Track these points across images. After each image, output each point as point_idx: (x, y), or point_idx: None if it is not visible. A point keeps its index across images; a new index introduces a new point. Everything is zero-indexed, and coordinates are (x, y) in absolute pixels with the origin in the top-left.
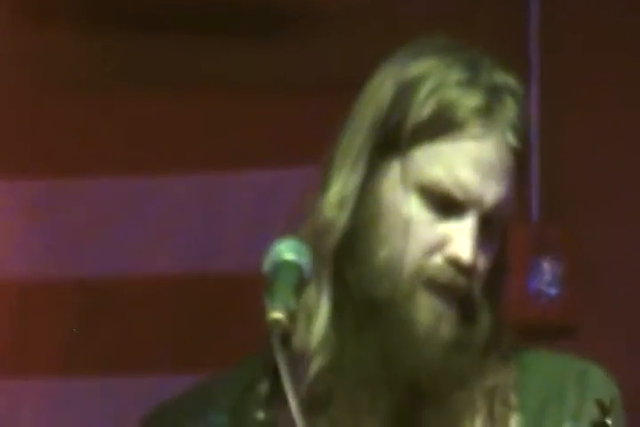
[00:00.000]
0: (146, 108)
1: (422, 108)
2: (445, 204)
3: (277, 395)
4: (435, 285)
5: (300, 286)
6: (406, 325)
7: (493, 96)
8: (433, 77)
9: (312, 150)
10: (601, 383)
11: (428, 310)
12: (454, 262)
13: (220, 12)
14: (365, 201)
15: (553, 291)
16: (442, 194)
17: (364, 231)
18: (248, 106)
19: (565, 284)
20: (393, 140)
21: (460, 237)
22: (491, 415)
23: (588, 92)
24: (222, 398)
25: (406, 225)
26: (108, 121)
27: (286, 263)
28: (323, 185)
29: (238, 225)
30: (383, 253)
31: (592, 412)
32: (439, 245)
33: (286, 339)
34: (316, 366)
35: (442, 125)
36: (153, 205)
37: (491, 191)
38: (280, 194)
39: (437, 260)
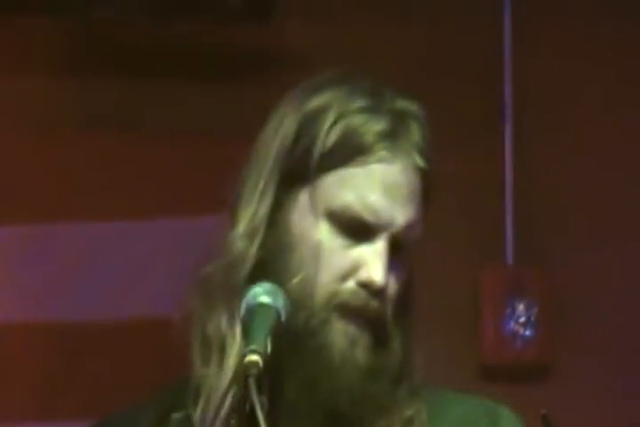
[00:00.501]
0: (122, 152)
1: (328, 137)
2: (355, 228)
3: (189, 424)
4: (348, 309)
5: (277, 328)
6: (322, 350)
7: (397, 121)
8: (336, 106)
9: None
10: (512, 424)
11: (342, 335)
12: (367, 286)
13: (201, 57)
14: (274, 232)
15: (528, 332)
16: (352, 219)
17: (275, 261)
18: (228, 150)
19: (540, 325)
20: (300, 169)
21: (372, 261)
22: None
23: (560, 131)
24: (144, 420)
25: (317, 252)
26: (79, 165)
27: (262, 306)
28: (231, 221)
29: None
30: (296, 282)
31: None
32: (351, 270)
33: (260, 382)
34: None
35: (349, 151)
36: (130, 249)
37: (400, 213)
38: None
39: (350, 284)
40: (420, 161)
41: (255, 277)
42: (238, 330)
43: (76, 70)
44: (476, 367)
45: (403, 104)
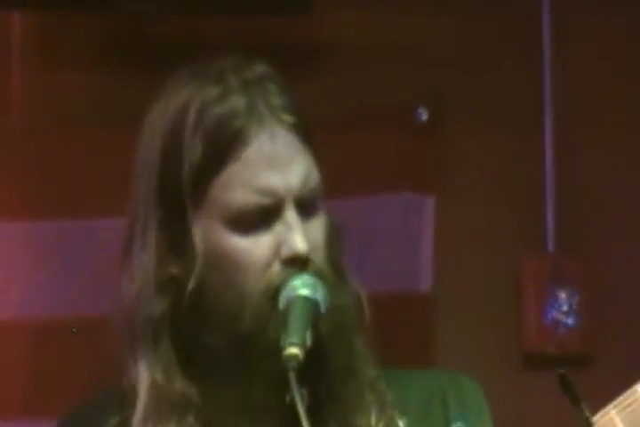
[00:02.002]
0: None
1: (192, 148)
2: (259, 217)
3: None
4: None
5: (316, 321)
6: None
7: (250, 91)
8: (193, 106)
9: (330, 186)
10: (474, 388)
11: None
12: (294, 261)
13: (236, 49)
14: (180, 258)
15: (570, 321)
16: (253, 210)
17: (196, 297)
18: None
19: (582, 313)
20: (180, 185)
21: (287, 236)
22: (382, 411)
23: (602, 122)
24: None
25: (236, 259)
26: (112, 160)
27: (301, 298)
28: (125, 251)
29: None
30: (229, 295)
31: (477, 415)
32: (274, 255)
33: (300, 375)
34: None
35: (218, 151)
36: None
37: (293, 176)
38: None
39: (276, 267)
40: (288, 118)
41: (170, 322)
42: (145, 376)
43: (110, 65)
44: (519, 356)
45: (250, 72)
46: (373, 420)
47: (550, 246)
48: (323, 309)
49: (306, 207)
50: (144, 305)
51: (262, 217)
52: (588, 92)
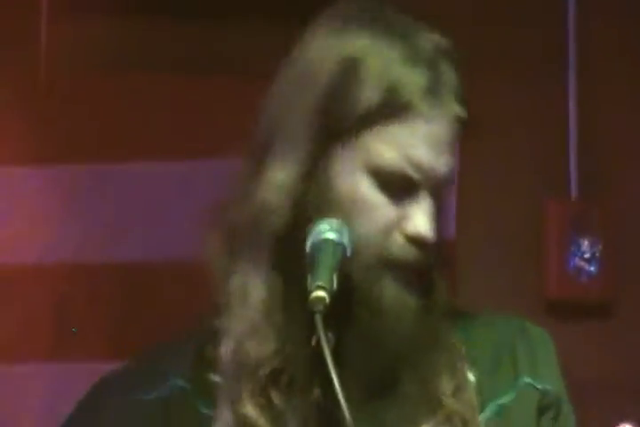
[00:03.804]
0: (181, 93)
1: (368, 93)
2: (399, 183)
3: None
4: (396, 263)
5: (342, 264)
6: (375, 301)
7: (434, 69)
8: (373, 57)
9: None
10: (544, 341)
11: (392, 287)
12: (415, 240)
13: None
14: (313, 187)
15: (592, 268)
16: (396, 175)
17: (315, 218)
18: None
19: (605, 261)
20: (338, 123)
21: (418, 215)
22: (452, 371)
23: (626, 71)
24: (177, 365)
25: (361, 207)
26: (144, 106)
27: (328, 242)
28: (257, 170)
29: None
30: (356, 237)
31: (547, 370)
32: (397, 225)
33: (327, 318)
34: (263, 348)
35: (390, 109)
36: (195, 189)
37: (442, 165)
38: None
39: (397, 238)
40: (459, 110)
41: (287, 233)
42: (260, 283)
43: (140, 12)
44: (540, 303)
45: (434, 43)
46: (445, 378)
47: (573, 193)
48: (349, 252)
49: (437, 192)
50: (271, 216)
51: (401, 184)
52: (613, 42)
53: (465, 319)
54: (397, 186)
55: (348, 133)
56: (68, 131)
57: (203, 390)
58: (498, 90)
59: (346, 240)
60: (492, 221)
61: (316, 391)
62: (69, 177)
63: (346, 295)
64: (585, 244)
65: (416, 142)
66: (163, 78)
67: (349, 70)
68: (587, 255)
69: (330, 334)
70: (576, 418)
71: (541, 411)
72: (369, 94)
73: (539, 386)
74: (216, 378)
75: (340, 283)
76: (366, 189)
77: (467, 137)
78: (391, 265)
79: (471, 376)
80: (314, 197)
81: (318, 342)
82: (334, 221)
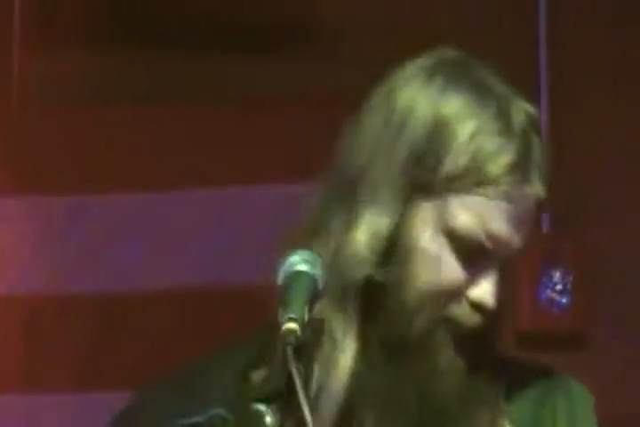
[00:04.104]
0: (158, 123)
1: (458, 157)
2: (473, 249)
3: (273, 384)
4: (454, 323)
5: (314, 297)
6: (429, 356)
7: (526, 144)
8: (466, 122)
9: (322, 165)
10: (585, 399)
11: (447, 345)
12: (477, 306)
13: (221, 28)
14: (397, 240)
15: (564, 300)
16: (471, 241)
17: (395, 269)
18: (256, 120)
19: (576, 292)
20: (426, 181)
21: (485, 283)
22: (493, 425)
23: (596, 105)
24: (217, 388)
25: (431, 265)
26: (119, 137)
27: (300, 274)
28: (348, 216)
29: (251, 239)
30: (411, 292)
31: None
32: (463, 288)
33: (299, 350)
34: (342, 390)
35: (476, 179)
36: (164, 220)
37: (517, 239)
38: (294, 209)
39: (460, 300)
40: (541, 191)
41: (373, 281)
42: (353, 333)
43: (115, 44)
44: (512, 335)
45: (527, 115)
46: None
47: (545, 226)
48: (320, 285)
49: (507, 262)
50: (359, 260)
51: (474, 250)
52: (584, 74)
53: (509, 372)
54: (470, 251)
55: (433, 191)
56: (41, 162)
57: (244, 421)
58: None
59: (318, 272)
60: None
61: None
62: (42, 208)
63: (403, 346)
64: (556, 275)
65: (496, 216)
66: (136, 110)
67: (441, 131)
68: (558, 287)
69: (300, 367)
70: None
71: None
72: (457, 159)
73: None
74: (261, 407)
75: (399, 334)
76: (439, 249)
77: None
78: (450, 325)
79: None
80: (396, 249)
81: (289, 374)
82: (306, 253)
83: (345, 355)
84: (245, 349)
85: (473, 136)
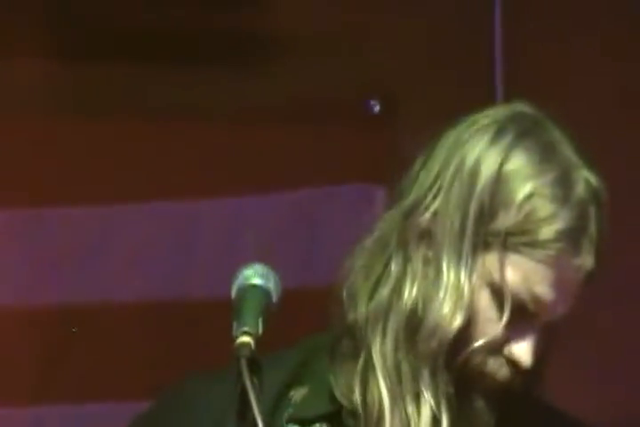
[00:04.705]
0: (120, 136)
1: (513, 215)
2: (516, 308)
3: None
4: (490, 378)
5: (267, 310)
6: (460, 410)
7: (583, 214)
8: (529, 182)
9: (282, 177)
10: None
11: (479, 400)
12: (513, 363)
13: (191, 41)
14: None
15: None
16: (515, 300)
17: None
18: (220, 134)
19: None
20: (482, 235)
21: (524, 343)
22: None
23: (550, 111)
24: (203, 418)
25: (475, 319)
26: (81, 149)
27: (254, 288)
28: (431, 269)
29: (211, 252)
30: (463, 341)
31: None
32: (502, 344)
33: (252, 363)
34: None
35: (527, 239)
36: (129, 233)
37: (561, 307)
38: (251, 221)
39: (498, 356)
40: (591, 264)
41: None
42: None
43: (72, 55)
44: None
45: (591, 187)
46: None
47: None
48: (275, 298)
49: (549, 326)
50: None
51: (517, 309)
52: (539, 85)
53: (538, 414)
54: (513, 311)
55: (487, 245)
56: (6, 173)
57: None
58: (426, 136)
59: (272, 286)
60: None
61: None
62: (7, 220)
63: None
64: None
65: (542, 281)
66: (90, 123)
67: (502, 188)
68: None
69: (255, 380)
70: None
71: None
72: (511, 217)
73: None
74: None
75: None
76: (483, 303)
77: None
78: (484, 379)
79: None
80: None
81: (243, 387)
82: (259, 267)
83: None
84: (287, 364)
85: (529, 197)
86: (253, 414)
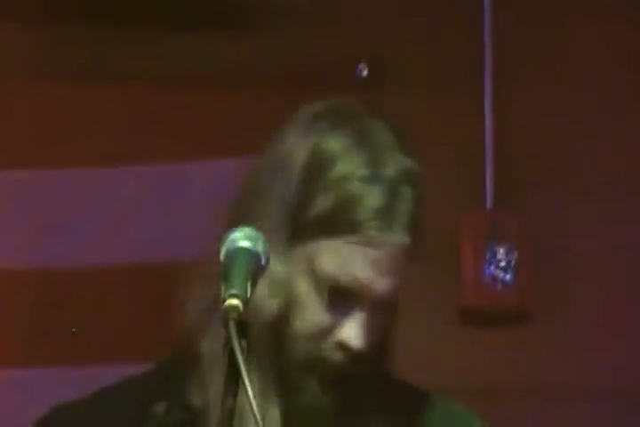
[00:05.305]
0: (107, 99)
1: (325, 200)
2: (338, 293)
3: (174, 416)
4: (325, 364)
5: (256, 272)
6: (297, 397)
7: (392, 192)
8: (341, 162)
9: (254, 139)
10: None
11: (316, 386)
12: (344, 347)
13: (180, 5)
14: (289, 284)
15: (508, 277)
16: (336, 285)
17: (285, 308)
18: (203, 97)
19: (520, 270)
20: (298, 223)
21: (350, 326)
22: None
23: (540, 84)
24: (119, 412)
25: (299, 308)
26: (65, 111)
27: (242, 250)
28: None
29: (194, 215)
30: (289, 330)
31: None
32: (330, 330)
33: (241, 325)
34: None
35: (341, 222)
36: (112, 195)
37: (383, 285)
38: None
39: (329, 342)
40: (407, 241)
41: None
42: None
43: (42, 18)
44: (456, 310)
45: (400, 167)
46: None
47: (489, 203)
48: (263, 261)
49: (377, 307)
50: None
51: (340, 294)
52: (527, 57)
53: (414, 396)
54: (336, 295)
55: (303, 233)
56: None
57: None
58: (414, 101)
59: (260, 248)
60: None
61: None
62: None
63: (278, 380)
64: (501, 252)
65: (360, 262)
66: (75, 86)
67: (314, 175)
68: (502, 264)
69: (243, 342)
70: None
71: None
72: (324, 202)
73: None
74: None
75: (279, 369)
76: (306, 291)
77: None
78: (319, 365)
79: None
80: (286, 291)
81: (232, 350)
82: (248, 229)
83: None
84: (148, 382)
85: (340, 180)
86: (241, 375)
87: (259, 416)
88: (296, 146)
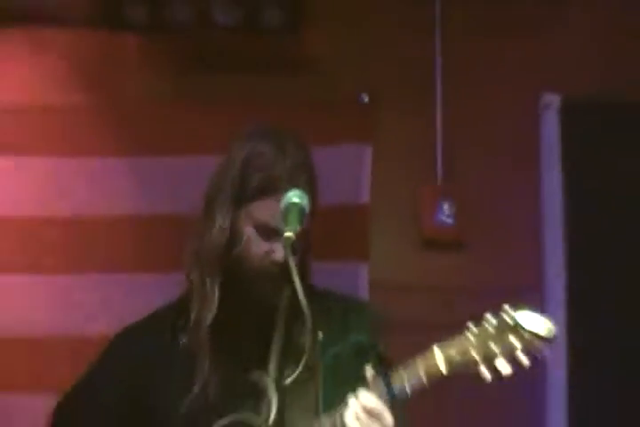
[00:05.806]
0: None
1: (253, 180)
2: (269, 231)
3: (187, 328)
4: (267, 271)
5: (302, 216)
6: (255, 293)
7: (292, 174)
8: (258, 159)
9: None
10: (364, 312)
11: (265, 284)
12: (275, 262)
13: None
14: (234, 231)
15: (450, 221)
16: (268, 228)
17: (237, 247)
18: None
19: (458, 217)
20: (241, 197)
21: (277, 250)
22: (313, 330)
23: (482, 85)
24: (163, 326)
25: (249, 244)
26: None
27: (295, 204)
28: (207, 221)
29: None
30: (242, 257)
31: (363, 333)
32: (268, 253)
33: (294, 249)
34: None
35: (265, 190)
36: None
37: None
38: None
39: (267, 260)
40: (304, 184)
41: (226, 256)
42: (216, 288)
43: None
44: (419, 241)
45: (297, 160)
46: (305, 338)
47: (439, 179)
48: (306, 210)
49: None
50: (216, 245)
51: (270, 231)
52: (475, 63)
53: (321, 300)
54: (269, 232)
55: (245, 202)
56: None
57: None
58: (395, 116)
59: (305, 203)
60: (393, 194)
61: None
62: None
63: (239, 286)
64: (446, 207)
65: (277, 211)
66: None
67: (246, 166)
68: (447, 213)
69: (296, 259)
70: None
71: (360, 354)
72: (254, 181)
73: (357, 340)
74: (183, 340)
75: (236, 279)
76: (251, 234)
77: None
78: (264, 272)
79: (320, 334)
80: (234, 236)
81: (288, 265)
82: (298, 191)
83: (213, 300)
84: (175, 309)
85: (260, 168)
86: (294, 282)
87: (309, 319)
88: (240, 149)
